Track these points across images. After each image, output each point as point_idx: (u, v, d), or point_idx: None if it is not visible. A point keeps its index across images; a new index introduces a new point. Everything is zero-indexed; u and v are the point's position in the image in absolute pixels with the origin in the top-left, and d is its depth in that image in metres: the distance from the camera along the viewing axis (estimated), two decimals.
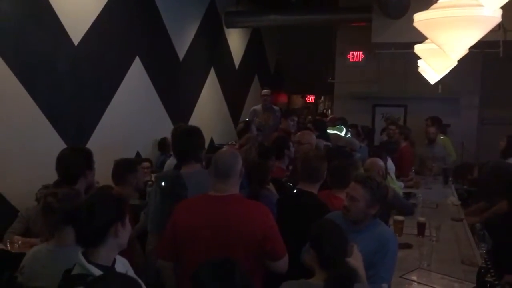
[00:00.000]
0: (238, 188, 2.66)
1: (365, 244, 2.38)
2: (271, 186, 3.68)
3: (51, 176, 3.14)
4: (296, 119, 6.40)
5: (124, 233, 1.99)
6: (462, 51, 2.48)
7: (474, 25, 2.24)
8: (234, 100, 9.21)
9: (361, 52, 9.80)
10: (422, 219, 3.98)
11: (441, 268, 3.18)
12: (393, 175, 5.46)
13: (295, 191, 3.25)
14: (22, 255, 2.48)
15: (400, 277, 3.01)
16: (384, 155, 5.24)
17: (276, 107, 7.76)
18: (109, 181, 4.15)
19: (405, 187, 5.61)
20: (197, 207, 2.58)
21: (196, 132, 3.23)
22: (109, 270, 1.90)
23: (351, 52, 9.90)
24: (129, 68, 5.96)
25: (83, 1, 5.14)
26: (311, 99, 13.87)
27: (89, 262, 1.87)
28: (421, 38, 3.63)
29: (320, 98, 13.87)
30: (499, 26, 3.03)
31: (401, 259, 3.16)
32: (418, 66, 5.53)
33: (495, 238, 3.89)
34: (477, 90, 9.17)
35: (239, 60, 9.49)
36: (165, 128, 6.36)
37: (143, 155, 6.18)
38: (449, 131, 8.75)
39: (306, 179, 3.22)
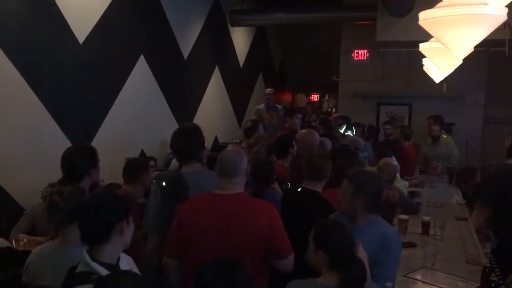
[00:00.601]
0: (244, 187, 2.66)
1: (367, 242, 2.37)
2: (276, 185, 3.69)
3: (57, 174, 3.16)
4: (300, 116, 6.40)
5: (129, 231, 2.01)
6: (467, 49, 2.46)
7: (479, 23, 2.23)
8: (238, 98, 9.21)
9: (365, 51, 9.78)
10: (426, 218, 3.96)
11: (445, 267, 3.17)
12: (397, 174, 5.44)
13: (299, 189, 3.24)
14: (27, 253, 2.49)
15: (405, 276, 3.00)
16: (388, 153, 5.23)
17: (279, 106, 7.77)
18: (113, 179, 4.19)
19: (410, 186, 5.58)
20: (203, 206, 2.58)
21: (196, 131, 3.23)
22: (114, 268, 1.91)
23: (355, 51, 9.88)
24: (133, 66, 5.96)
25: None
26: (315, 97, 13.84)
27: (94, 260, 1.88)
28: (426, 37, 3.62)
29: (324, 96, 13.85)
30: (504, 24, 3.01)
31: (406, 258, 3.16)
32: (423, 65, 5.51)
33: (499, 237, 3.88)
34: (482, 89, 9.13)
35: (244, 58, 9.48)
36: (170, 126, 6.35)
37: (148, 154, 6.19)
38: (454, 130, 8.72)
39: (310, 178, 3.22)
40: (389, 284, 2.41)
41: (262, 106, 7.48)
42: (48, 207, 2.44)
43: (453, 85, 7.90)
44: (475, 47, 2.57)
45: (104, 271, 1.83)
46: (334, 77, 10.08)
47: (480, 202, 4.37)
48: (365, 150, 5.47)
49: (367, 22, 8.27)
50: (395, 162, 4.79)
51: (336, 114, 8.96)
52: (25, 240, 3.36)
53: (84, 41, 5.06)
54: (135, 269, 2.12)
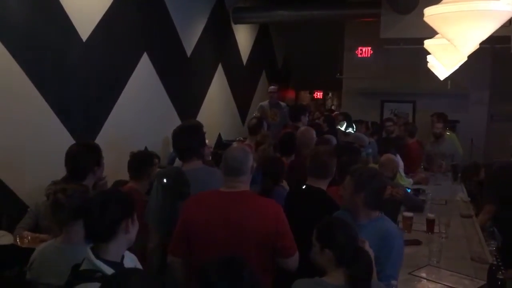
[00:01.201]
0: (249, 185, 2.66)
1: (369, 240, 2.37)
2: (284, 183, 3.68)
3: (60, 171, 3.15)
4: (307, 113, 6.41)
5: (133, 229, 2.01)
6: (473, 46, 2.44)
7: (486, 19, 2.21)
8: (241, 96, 9.20)
9: (369, 48, 9.76)
10: (431, 215, 3.94)
11: (450, 265, 3.16)
12: (401, 171, 5.43)
13: (304, 187, 3.23)
14: (31, 250, 2.49)
15: (409, 273, 2.99)
16: (392, 151, 5.21)
17: (283, 103, 7.74)
18: (117, 177, 4.19)
19: (414, 183, 5.57)
20: (208, 203, 2.58)
21: (196, 128, 3.22)
22: (118, 265, 1.91)
23: (359, 48, 9.85)
24: (137, 64, 5.95)
25: None
26: (318, 95, 13.83)
27: (98, 258, 1.87)
28: (431, 33, 3.60)
29: (328, 94, 13.83)
30: (509, 21, 2.98)
31: (410, 256, 3.15)
32: (427, 62, 5.48)
33: (505, 235, 3.86)
34: (487, 86, 9.09)
35: (247, 56, 9.47)
36: (173, 124, 6.27)
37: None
38: (458, 127, 8.69)
39: (315, 175, 3.20)
40: (394, 282, 2.40)
41: (265, 103, 7.46)
42: (52, 205, 2.44)
43: (458, 82, 7.87)
44: (479, 44, 2.54)
45: (108, 269, 1.83)
46: (338, 74, 10.05)
47: (484, 199, 4.36)
48: (370, 147, 5.45)
49: (371, 19, 8.23)
50: (398, 159, 4.77)
51: (336, 112, 8.94)
52: (29, 237, 3.36)
53: (88, 39, 5.05)
54: (139, 267, 2.12)
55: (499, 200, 4.15)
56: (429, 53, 4.58)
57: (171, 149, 6.23)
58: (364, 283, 2.06)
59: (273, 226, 2.48)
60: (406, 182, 5.21)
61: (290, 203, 3.19)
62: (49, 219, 2.63)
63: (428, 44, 4.02)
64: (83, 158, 3.07)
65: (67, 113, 4.82)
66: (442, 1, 2.37)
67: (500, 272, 2.49)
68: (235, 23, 8.76)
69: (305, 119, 6.08)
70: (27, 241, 3.32)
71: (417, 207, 4.34)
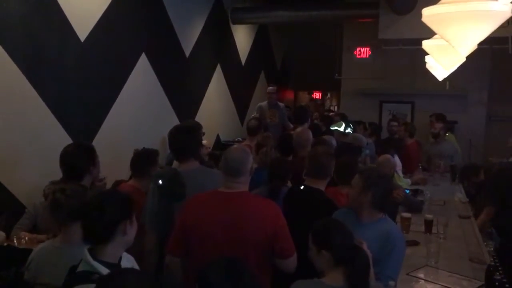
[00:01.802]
0: (248, 184, 2.66)
1: (370, 240, 2.38)
2: (289, 184, 3.69)
3: (58, 172, 3.15)
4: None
5: (132, 230, 2.00)
6: (472, 46, 2.44)
7: (484, 19, 2.21)
8: (240, 96, 9.19)
9: (368, 48, 9.75)
10: (429, 216, 3.94)
11: (448, 266, 3.15)
12: (400, 172, 5.43)
13: (302, 187, 3.23)
14: (29, 251, 2.49)
15: (407, 274, 2.99)
16: (391, 151, 5.22)
17: (281, 104, 7.73)
18: (115, 177, 4.19)
19: (412, 183, 5.57)
20: (207, 204, 2.58)
21: (192, 129, 3.23)
22: (115, 267, 1.90)
23: (358, 48, 9.84)
24: (135, 64, 5.95)
25: None
26: (317, 95, 13.82)
27: (95, 259, 1.87)
28: (429, 34, 3.60)
29: (327, 94, 13.82)
30: (507, 22, 2.98)
31: (408, 256, 3.14)
32: (426, 63, 5.49)
33: (503, 236, 3.86)
34: (486, 87, 9.09)
35: (246, 56, 9.46)
36: (171, 124, 6.26)
37: None
38: (457, 128, 8.70)
39: (313, 176, 3.20)
40: (392, 282, 2.40)
41: (264, 103, 7.45)
42: (51, 205, 2.43)
43: (456, 83, 7.86)
44: (478, 45, 2.54)
45: (105, 271, 1.82)
46: (336, 75, 10.05)
47: (484, 201, 4.36)
48: (368, 147, 5.45)
49: (370, 20, 8.24)
50: (395, 159, 4.77)
51: (332, 113, 8.93)
52: (27, 238, 3.36)
53: (86, 39, 5.05)
54: (137, 268, 2.12)
55: (499, 202, 4.15)
56: (427, 54, 4.58)
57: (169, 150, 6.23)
58: (363, 282, 2.07)
59: (271, 228, 2.48)
60: (404, 183, 5.21)
61: (289, 204, 3.19)
62: (47, 219, 2.62)
63: (426, 44, 4.01)
64: (78, 159, 3.07)
65: (65, 114, 4.81)
66: (440, 2, 2.37)
67: (497, 273, 2.49)
68: (234, 24, 8.76)
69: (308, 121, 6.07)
70: (24, 241, 3.32)
71: (416, 208, 4.34)
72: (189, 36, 7.26)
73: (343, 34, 9.99)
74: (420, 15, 2.50)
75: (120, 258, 2.00)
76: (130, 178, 3.86)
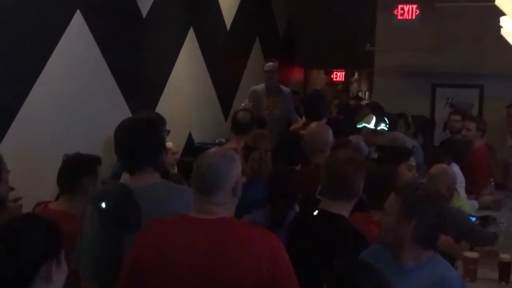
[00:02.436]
0: (234, 208, 2.66)
1: None
2: (297, 207, 3.68)
3: None
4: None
5: (59, 275, 2.00)
6: None
7: None
8: (224, 77, 9.23)
9: (415, 6, 9.78)
10: (506, 256, 3.95)
11: None
12: (461, 190, 5.43)
13: (315, 212, 3.23)
14: None
15: None
16: (447, 159, 5.21)
17: (286, 88, 7.75)
18: (37, 198, 4.15)
19: (481, 208, 5.58)
20: (171, 235, 2.59)
21: (151, 124, 3.21)
22: None
23: (399, 6, 9.88)
24: (66, 27, 5.95)
25: None
26: (338, 76, 13.87)
27: None
28: None
29: (353, 75, 13.89)
30: None
31: None
32: (500, 27, 5.51)
33: None
34: None
35: (232, 17, 9.50)
36: (120, 118, 6.24)
37: None
38: None
39: (332, 195, 3.22)
40: None
41: (260, 87, 7.46)
42: None
43: None
44: None
45: None
46: (368, 45, 10.09)
47: None
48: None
49: None
50: (452, 171, 4.78)
51: (364, 101, 8.96)
52: None
53: None
54: None
55: None
56: (503, 14, 4.59)
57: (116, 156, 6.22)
58: None
59: (269, 269, 2.47)
60: (469, 207, 5.21)
61: (296, 236, 3.21)
62: None
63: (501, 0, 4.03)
64: None
65: None
66: None
67: None
68: None
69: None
70: None
71: (485, 243, 4.35)
72: None
73: None
74: None
75: None
76: (58, 197, 3.84)
